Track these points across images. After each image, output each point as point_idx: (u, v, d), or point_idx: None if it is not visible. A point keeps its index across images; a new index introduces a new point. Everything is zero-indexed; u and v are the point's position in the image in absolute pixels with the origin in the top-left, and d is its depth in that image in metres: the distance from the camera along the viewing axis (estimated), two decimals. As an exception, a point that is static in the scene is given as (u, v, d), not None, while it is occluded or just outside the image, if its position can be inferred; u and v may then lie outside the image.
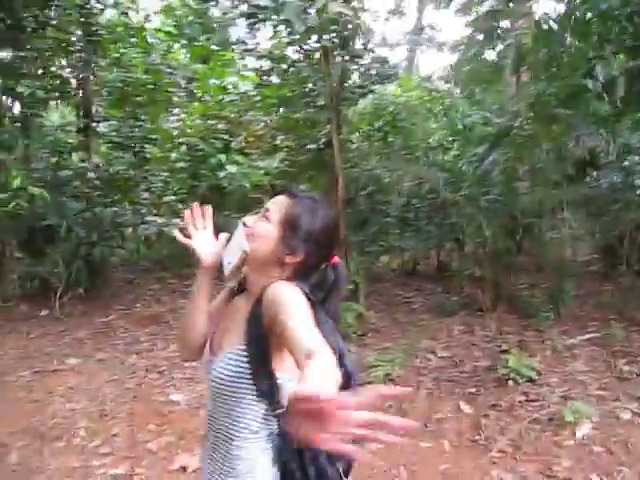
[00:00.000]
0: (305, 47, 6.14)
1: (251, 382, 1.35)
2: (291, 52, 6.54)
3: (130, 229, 7.18)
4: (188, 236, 1.52)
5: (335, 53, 6.14)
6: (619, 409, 3.62)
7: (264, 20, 5.80)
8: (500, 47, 10.91)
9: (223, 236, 1.52)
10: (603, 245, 7.37)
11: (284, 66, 6.67)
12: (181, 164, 8.04)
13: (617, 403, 3.71)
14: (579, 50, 7.52)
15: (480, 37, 12.37)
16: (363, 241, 6.26)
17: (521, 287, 6.28)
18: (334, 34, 6.03)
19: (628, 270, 6.01)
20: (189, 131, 8.23)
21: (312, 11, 4.87)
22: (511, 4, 11.25)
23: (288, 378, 1.37)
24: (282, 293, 1.28)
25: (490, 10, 11.96)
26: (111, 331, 5.69)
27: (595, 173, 7.86)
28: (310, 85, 6.38)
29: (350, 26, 6.16)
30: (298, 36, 5.86)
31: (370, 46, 6.74)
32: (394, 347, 5.01)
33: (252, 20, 5.89)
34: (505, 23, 11.10)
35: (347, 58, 6.28)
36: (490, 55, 12.07)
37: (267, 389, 1.34)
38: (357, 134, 7.08)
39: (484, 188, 5.67)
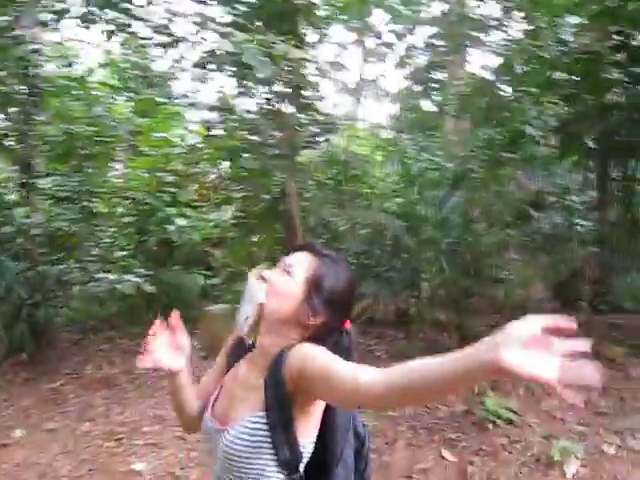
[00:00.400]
0: (258, 96, 6.12)
1: (272, 450, 1.25)
2: (242, 102, 6.53)
3: (77, 287, 6.80)
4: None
5: (287, 102, 6.16)
6: (603, 444, 3.58)
7: (219, 70, 5.77)
8: (437, 97, 11.41)
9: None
10: (554, 284, 7.53)
11: (234, 116, 6.62)
12: (128, 219, 7.79)
13: (599, 438, 3.67)
14: (517, 98, 7.89)
15: (418, 88, 12.93)
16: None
17: (482, 329, 6.27)
18: (287, 82, 6.05)
19: (584, 306, 6.11)
20: (135, 184, 8.01)
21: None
22: (445, 57, 11.82)
23: (310, 442, 1.30)
24: (307, 351, 1.24)
25: (426, 63, 12.53)
26: (60, 398, 5.26)
27: (537, 215, 8.06)
28: (262, 135, 6.34)
29: (302, 74, 6.22)
30: (252, 84, 5.85)
31: (318, 95, 6.82)
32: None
33: (202, 70, 5.85)
34: (444, 74, 11.63)
35: (299, 107, 6.30)
36: (427, 105, 12.62)
37: (289, 457, 1.25)
38: (310, 183, 7.05)
39: (444, 231, 5.71)
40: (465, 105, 8.97)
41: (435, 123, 10.40)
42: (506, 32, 9.87)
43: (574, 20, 7.03)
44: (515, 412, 4.11)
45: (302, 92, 6.36)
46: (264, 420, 1.25)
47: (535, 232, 7.24)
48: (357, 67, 11.24)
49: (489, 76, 9.00)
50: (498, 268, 6.70)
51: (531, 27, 8.07)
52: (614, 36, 5.66)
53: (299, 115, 6.45)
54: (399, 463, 3.68)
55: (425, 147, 7.75)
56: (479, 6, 10.63)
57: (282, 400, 1.24)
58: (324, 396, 1.24)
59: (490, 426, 4.00)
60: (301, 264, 1.35)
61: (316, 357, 1.22)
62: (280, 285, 1.33)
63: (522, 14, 9.10)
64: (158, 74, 9.30)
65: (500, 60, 9.60)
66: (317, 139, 6.85)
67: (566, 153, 7.62)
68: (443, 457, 3.71)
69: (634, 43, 5.19)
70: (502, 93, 8.40)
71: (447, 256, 5.54)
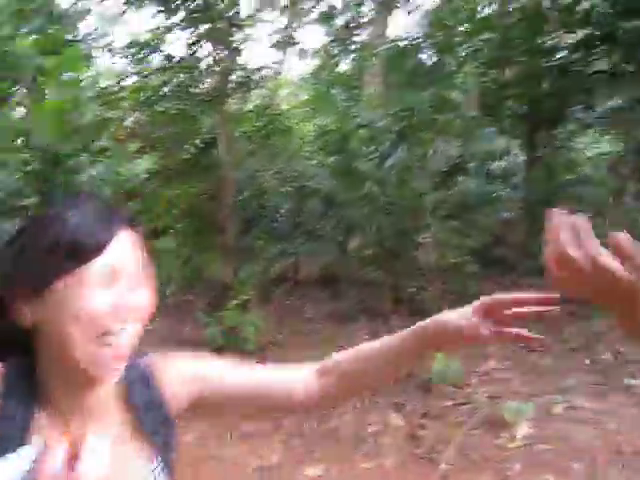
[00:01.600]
0: (186, 36, 5.60)
1: None
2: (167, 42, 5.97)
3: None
4: None
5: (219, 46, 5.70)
6: (548, 404, 3.60)
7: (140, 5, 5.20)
8: (359, 56, 11.20)
9: None
10: (479, 247, 7.63)
11: (157, 56, 6.06)
12: (32, 166, 7.00)
13: (543, 398, 3.69)
14: (441, 64, 7.84)
15: (337, 47, 12.65)
16: (252, 248, 5.83)
17: (414, 290, 6.25)
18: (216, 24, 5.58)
19: (507, 268, 6.22)
20: (38, 129, 7.19)
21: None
22: (368, 17, 11.58)
23: None
24: (192, 369, 0.91)
25: (347, 22, 12.25)
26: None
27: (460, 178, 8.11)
28: (189, 78, 5.84)
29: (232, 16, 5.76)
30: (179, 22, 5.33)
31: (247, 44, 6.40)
32: (301, 360, 4.63)
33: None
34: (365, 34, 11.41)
35: (229, 51, 5.85)
36: (348, 64, 12.39)
37: None
38: (237, 134, 6.62)
39: (383, 188, 5.55)
40: (388, 67, 8.84)
41: (357, 82, 10.18)
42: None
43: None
44: (459, 374, 4.07)
45: (231, 36, 5.91)
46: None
47: (458, 195, 7.28)
48: (282, 21, 10.74)
49: (415, 39, 8.91)
50: (424, 230, 6.67)
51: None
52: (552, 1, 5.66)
53: (228, 60, 6.00)
54: (348, 428, 3.53)
55: (352, 104, 7.53)
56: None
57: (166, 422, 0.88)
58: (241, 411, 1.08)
59: (434, 389, 3.93)
60: None
61: (220, 376, 0.93)
62: None
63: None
64: (66, 10, 8.37)
65: (427, 22, 9.52)
66: (246, 87, 6.43)
67: (489, 119, 7.71)
68: (391, 421, 3.60)
69: (579, 7, 5.17)
70: (426, 56, 8.34)
71: (384, 213, 5.40)
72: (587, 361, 4.35)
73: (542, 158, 7.00)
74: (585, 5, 5.04)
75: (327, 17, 12.94)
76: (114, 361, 0.75)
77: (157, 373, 0.88)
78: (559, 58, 5.45)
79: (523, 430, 3.33)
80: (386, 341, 0.93)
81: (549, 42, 5.53)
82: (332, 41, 13.25)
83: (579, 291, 0.75)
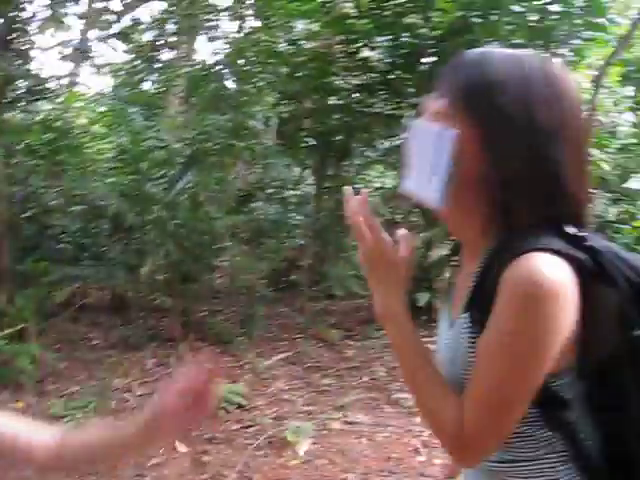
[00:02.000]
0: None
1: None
2: None
3: None
4: None
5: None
6: (328, 421, 3.82)
7: None
8: (163, 76, 11.01)
9: None
10: (273, 271, 7.87)
11: None
12: None
13: (324, 415, 3.91)
14: (243, 90, 8.07)
15: (140, 64, 12.29)
16: (32, 272, 5.34)
17: (205, 314, 6.23)
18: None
19: (302, 292, 6.51)
20: None
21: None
22: (174, 38, 11.49)
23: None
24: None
25: (151, 40, 12.00)
26: None
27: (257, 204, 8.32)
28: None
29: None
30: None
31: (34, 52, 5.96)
32: (83, 391, 4.36)
33: None
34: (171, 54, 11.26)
35: (12, 55, 5.38)
36: (151, 83, 12.08)
37: None
38: (18, 148, 6.08)
39: (172, 213, 5.48)
40: (192, 89, 8.85)
41: (160, 102, 9.98)
42: (241, 22, 10.02)
43: (305, 25, 7.47)
44: (245, 396, 4.14)
45: (16, 39, 5.46)
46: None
47: (254, 221, 7.48)
48: (80, 31, 10.10)
49: (217, 64, 9.04)
50: (219, 254, 6.72)
51: (264, 22, 8.33)
52: (340, 46, 6.15)
53: (10, 65, 5.51)
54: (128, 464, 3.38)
55: (152, 124, 7.38)
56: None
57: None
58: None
59: (222, 412, 3.94)
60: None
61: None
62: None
63: (255, 9, 9.35)
64: None
65: (230, 50, 9.71)
66: (30, 98, 5.95)
67: (286, 148, 8.07)
68: (176, 449, 3.53)
69: (361, 55, 5.70)
70: (229, 83, 8.51)
71: (174, 239, 5.33)
72: (365, 378, 4.71)
73: (331, 189, 7.49)
74: (366, 53, 5.59)
75: (129, 33, 12.55)
76: None
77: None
78: (344, 97, 5.94)
79: (304, 448, 3.49)
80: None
81: (336, 82, 5.99)
82: (135, 58, 12.86)
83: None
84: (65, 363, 4.95)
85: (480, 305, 0.89)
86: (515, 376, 0.84)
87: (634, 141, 11.00)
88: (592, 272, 0.87)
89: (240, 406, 4.05)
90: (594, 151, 10.18)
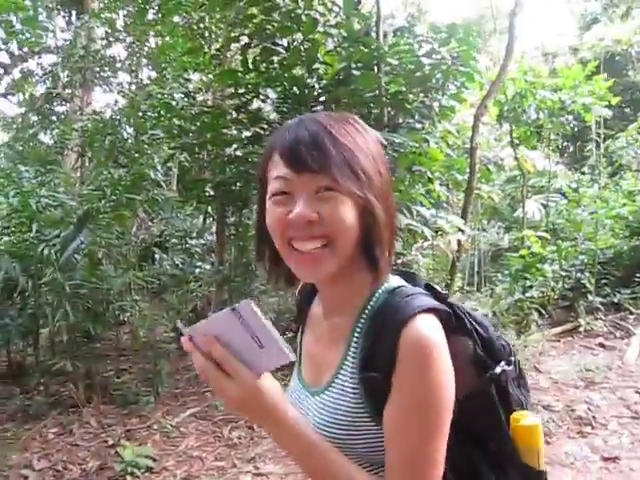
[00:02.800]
0: None
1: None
2: None
3: None
4: None
5: None
6: (239, 474, 3.80)
7: None
8: (57, 130, 10.74)
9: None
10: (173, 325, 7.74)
11: None
12: None
13: (235, 470, 3.89)
14: (140, 142, 8.06)
15: (34, 117, 11.94)
16: None
17: (111, 374, 6.03)
18: None
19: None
20: None
21: None
22: (66, 90, 11.29)
23: None
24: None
25: (45, 93, 11.73)
26: None
27: (160, 256, 8.23)
28: None
29: None
30: None
31: None
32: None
33: None
34: (65, 107, 11.05)
35: None
36: (45, 138, 11.73)
37: None
38: None
39: (69, 273, 5.32)
40: (88, 142, 8.72)
41: (54, 157, 9.70)
42: (134, 75, 10.02)
43: (198, 77, 7.61)
44: (154, 458, 4.04)
45: None
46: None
47: (159, 273, 7.38)
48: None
49: (114, 116, 8.97)
50: (123, 310, 6.56)
51: (158, 75, 8.40)
52: (232, 100, 6.30)
53: None
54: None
55: (44, 182, 7.18)
56: (107, 44, 10.55)
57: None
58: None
59: (129, 477, 3.82)
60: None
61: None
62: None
63: (149, 61, 9.41)
64: None
65: (125, 101, 9.67)
66: None
67: (187, 198, 8.06)
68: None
69: (253, 106, 5.87)
70: (126, 134, 8.46)
71: (71, 300, 5.17)
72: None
73: (235, 236, 7.54)
74: (256, 105, 5.78)
75: (21, 84, 12.17)
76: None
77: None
78: (239, 148, 6.06)
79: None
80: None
81: (230, 133, 6.11)
82: (28, 111, 12.43)
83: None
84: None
85: (377, 368, 0.93)
86: (435, 431, 0.90)
87: (517, 173, 11.91)
88: (452, 324, 0.99)
89: (149, 469, 3.95)
90: (483, 185, 10.94)
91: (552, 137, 11.96)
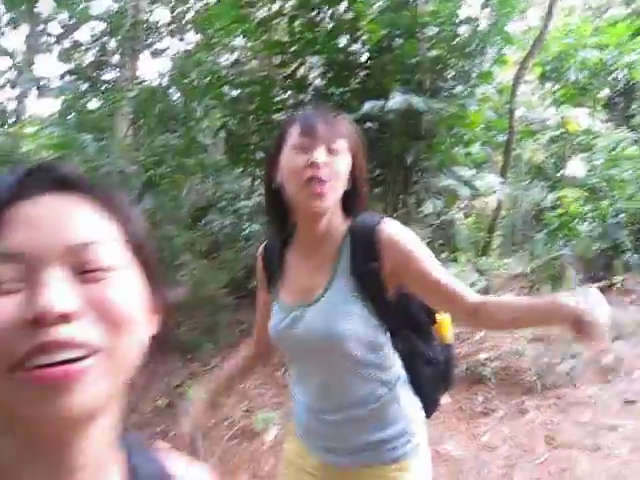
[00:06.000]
0: None
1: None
2: None
3: None
4: None
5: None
6: (290, 410, 4.27)
7: None
8: (107, 98, 11.18)
9: None
10: (229, 280, 8.22)
11: None
12: None
13: (289, 406, 4.35)
14: (187, 107, 8.39)
15: (84, 85, 12.39)
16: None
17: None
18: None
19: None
20: None
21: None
22: (116, 57, 11.68)
23: None
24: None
25: (94, 61, 12.15)
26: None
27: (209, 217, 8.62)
28: None
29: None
30: None
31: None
32: None
33: None
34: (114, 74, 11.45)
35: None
36: (96, 105, 12.17)
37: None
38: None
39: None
40: (138, 110, 9.07)
41: (107, 124, 10.15)
42: (182, 40, 10.31)
43: (242, 42, 7.87)
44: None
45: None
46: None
47: (213, 232, 7.83)
48: (22, 56, 10.18)
49: (163, 82, 9.30)
50: (179, 270, 7.05)
51: (205, 41, 8.68)
52: (280, 69, 6.57)
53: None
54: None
55: (104, 148, 7.65)
56: (152, 11, 10.86)
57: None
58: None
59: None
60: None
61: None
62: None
63: (195, 27, 9.66)
64: None
65: (174, 67, 9.97)
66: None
67: (235, 162, 8.41)
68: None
69: (298, 75, 6.17)
70: (176, 101, 8.80)
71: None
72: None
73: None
74: (302, 72, 6.07)
75: (71, 54, 12.59)
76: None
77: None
78: (286, 113, 6.37)
79: (272, 434, 3.95)
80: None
81: (277, 99, 6.43)
82: (78, 79, 12.89)
83: None
84: None
85: (367, 260, 1.40)
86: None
87: (561, 131, 11.82)
88: None
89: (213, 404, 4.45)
90: (527, 145, 10.96)
91: (598, 95, 11.79)
